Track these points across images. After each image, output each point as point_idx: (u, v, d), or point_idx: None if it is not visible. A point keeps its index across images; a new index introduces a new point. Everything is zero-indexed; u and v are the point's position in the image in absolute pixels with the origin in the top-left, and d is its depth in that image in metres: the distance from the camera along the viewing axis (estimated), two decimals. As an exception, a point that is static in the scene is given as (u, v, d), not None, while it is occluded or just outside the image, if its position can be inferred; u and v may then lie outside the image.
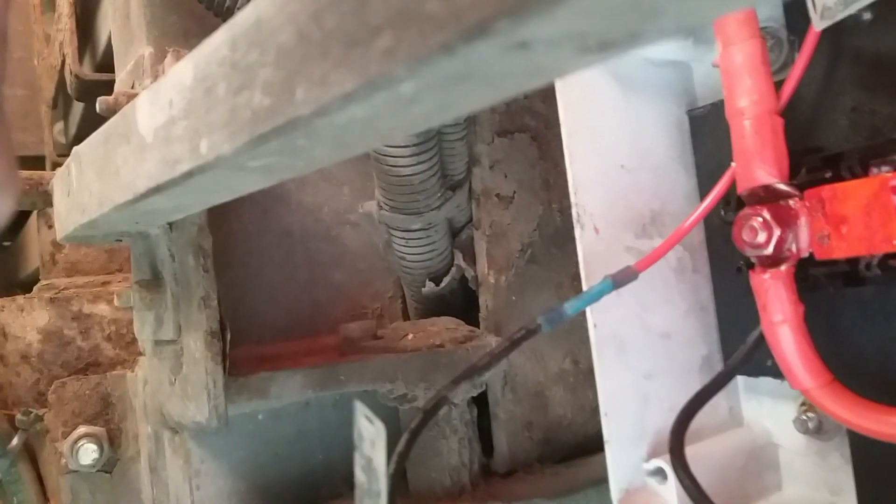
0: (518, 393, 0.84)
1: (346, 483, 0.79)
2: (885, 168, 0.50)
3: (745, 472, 0.62)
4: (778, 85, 0.53)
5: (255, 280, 0.80)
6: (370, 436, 0.45)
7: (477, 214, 0.84)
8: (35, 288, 0.96)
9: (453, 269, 0.86)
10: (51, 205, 0.67)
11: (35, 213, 1.00)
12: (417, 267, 0.85)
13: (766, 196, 0.53)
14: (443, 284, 0.86)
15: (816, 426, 0.60)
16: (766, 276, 0.53)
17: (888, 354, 0.52)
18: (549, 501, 0.78)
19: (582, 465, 0.85)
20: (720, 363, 0.65)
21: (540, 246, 0.87)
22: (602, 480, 0.58)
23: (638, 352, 0.60)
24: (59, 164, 0.62)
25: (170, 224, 0.65)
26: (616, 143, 0.62)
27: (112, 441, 0.77)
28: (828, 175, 0.52)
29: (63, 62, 1.19)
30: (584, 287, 0.57)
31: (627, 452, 0.58)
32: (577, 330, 0.64)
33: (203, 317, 0.64)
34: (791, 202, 0.53)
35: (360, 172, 0.88)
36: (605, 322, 0.58)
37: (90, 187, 0.53)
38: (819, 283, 0.54)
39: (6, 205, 0.37)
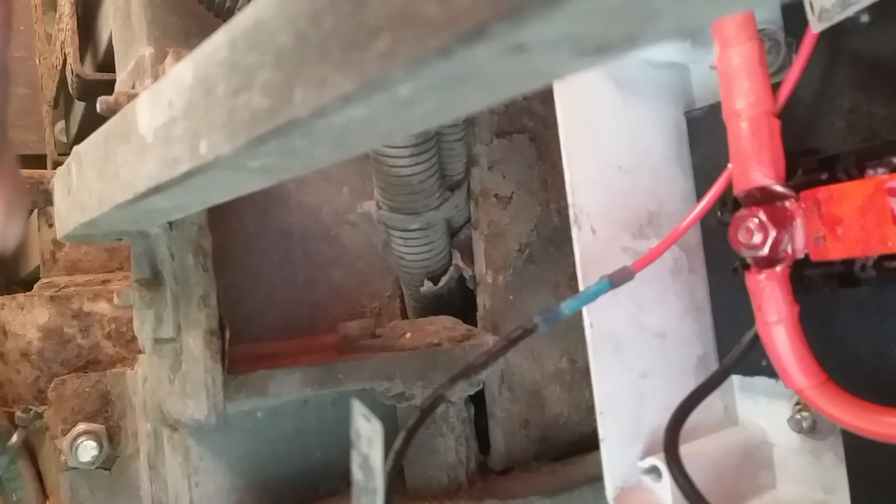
0: (515, 391, 0.84)
1: (344, 480, 0.79)
2: (881, 170, 0.49)
3: (739, 470, 0.62)
4: (775, 87, 0.53)
5: (255, 279, 0.81)
6: (367, 434, 0.45)
7: (475, 214, 0.84)
8: (35, 286, 0.96)
9: (451, 268, 0.86)
10: (51, 203, 0.67)
11: (36, 211, 1.01)
12: (416, 266, 0.86)
13: (763, 197, 0.53)
14: (441, 284, 0.86)
15: (811, 425, 0.60)
16: (762, 276, 0.53)
17: (882, 355, 0.52)
18: (545, 499, 0.79)
19: (578, 463, 0.86)
20: (715, 363, 0.65)
21: (538, 246, 0.87)
22: (598, 478, 0.59)
23: (634, 351, 0.60)
24: (60, 163, 0.62)
25: (170, 223, 0.65)
26: (614, 144, 0.62)
27: (111, 438, 0.78)
28: (824, 177, 0.52)
29: (64, 62, 1.20)
30: (581, 287, 0.57)
31: (623, 451, 0.59)
32: (574, 329, 0.64)
33: (202, 315, 0.64)
34: (787, 203, 0.53)
35: (359, 172, 0.88)
36: (601, 322, 0.58)
37: (90, 186, 0.53)
38: (814, 283, 0.54)
39: (15, 229, 0.37)
